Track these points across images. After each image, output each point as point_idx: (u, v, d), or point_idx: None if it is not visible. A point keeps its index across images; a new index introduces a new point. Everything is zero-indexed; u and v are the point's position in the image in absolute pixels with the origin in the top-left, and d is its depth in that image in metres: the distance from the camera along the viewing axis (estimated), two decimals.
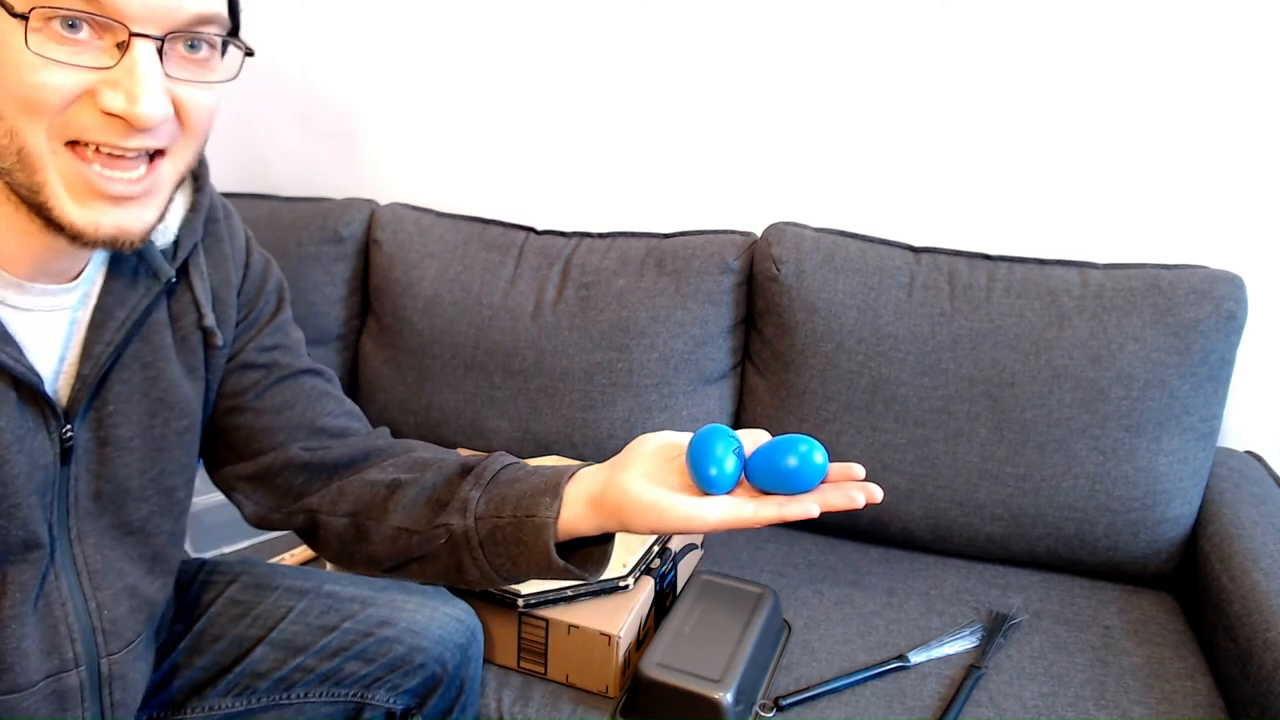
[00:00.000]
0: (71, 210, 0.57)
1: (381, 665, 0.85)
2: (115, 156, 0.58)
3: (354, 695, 0.86)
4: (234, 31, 0.63)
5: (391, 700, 0.86)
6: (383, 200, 1.60)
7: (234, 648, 0.85)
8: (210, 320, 0.73)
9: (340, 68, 1.64)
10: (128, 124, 0.56)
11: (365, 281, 1.54)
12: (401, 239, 1.47)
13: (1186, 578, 1.19)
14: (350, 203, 1.55)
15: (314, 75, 1.66)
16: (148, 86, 0.56)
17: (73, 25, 0.54)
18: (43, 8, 0.53)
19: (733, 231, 1.36)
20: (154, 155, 0.60)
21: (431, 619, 0.88)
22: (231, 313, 0.77)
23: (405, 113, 1.62)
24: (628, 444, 0.71)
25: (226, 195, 1.64)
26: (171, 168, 0.62)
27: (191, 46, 0.60)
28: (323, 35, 1.63)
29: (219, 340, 0.74)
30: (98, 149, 0.57)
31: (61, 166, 0.57)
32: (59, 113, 0.55)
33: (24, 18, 0.53)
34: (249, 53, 0.64)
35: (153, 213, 0.62)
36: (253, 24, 1.76)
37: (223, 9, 0.61)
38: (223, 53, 0.63)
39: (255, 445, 0.78)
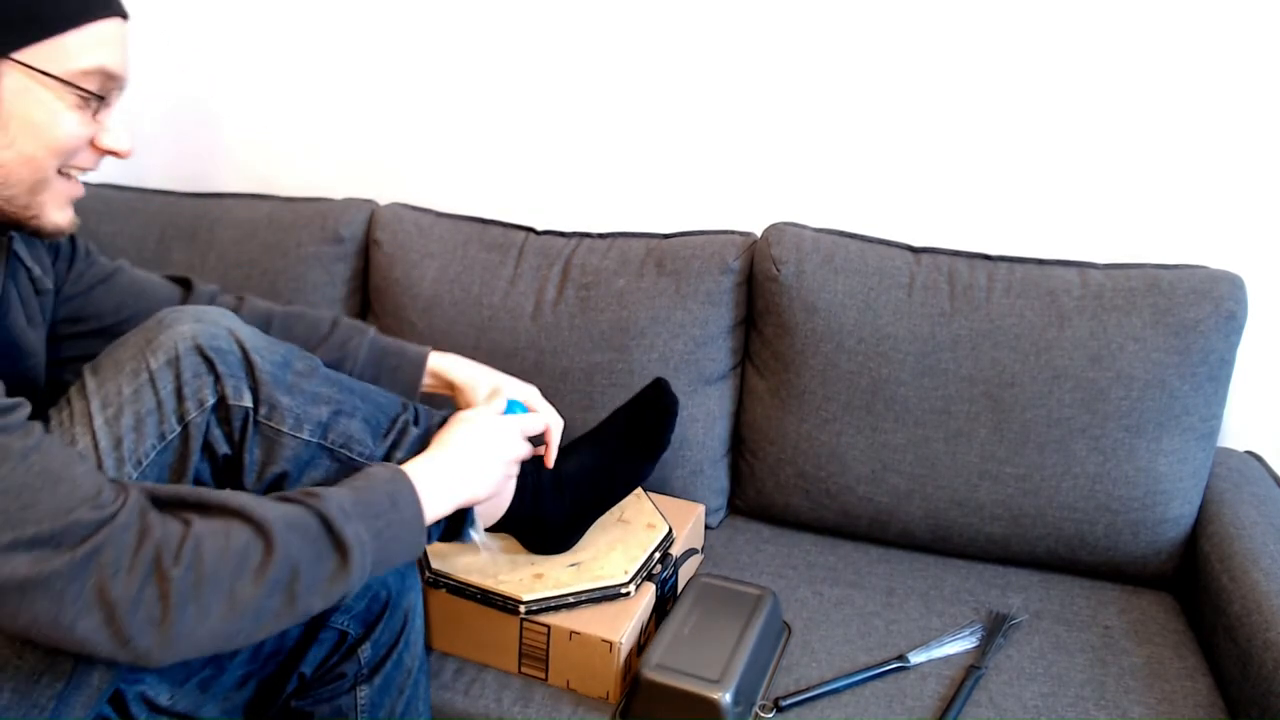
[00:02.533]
0: (55, 215, 0.81)
1: None
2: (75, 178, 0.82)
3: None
4: None
5: (344, 623, 0.90)
6: (383, 200, 1.60)
7: None
8: (38, 272, 0.91)
9: (340, 68, 1.64)
10: (106, 155, 0.82)
11: (365, 281, 1.54)
12: (401, 239, 1.47)
13: (1186, 578, 1.19)
14: (350, 203, 1.55)
15: (314, 75, 1.66)
16: (126, 130, 0.83)
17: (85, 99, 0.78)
18: (93, 99, 0.78)
19: (733, 232, 1.36)
20: None
21: None
22: (49, 265, 0.95)
23: (405, 113, 1.62)
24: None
25: (227, 195, 1.65)
26: None
27: None
28: (322, 35, 1.63)
29: (47, 285, 0.93)
30: (75, 173, 0.81)
31: (57, 188, 0.80)
32: (73, 154, 0.79)
33: (95, 96, 0.78)
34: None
35: None
36: (253, 24, 1.76)
37: None
38: None
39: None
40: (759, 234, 1.35)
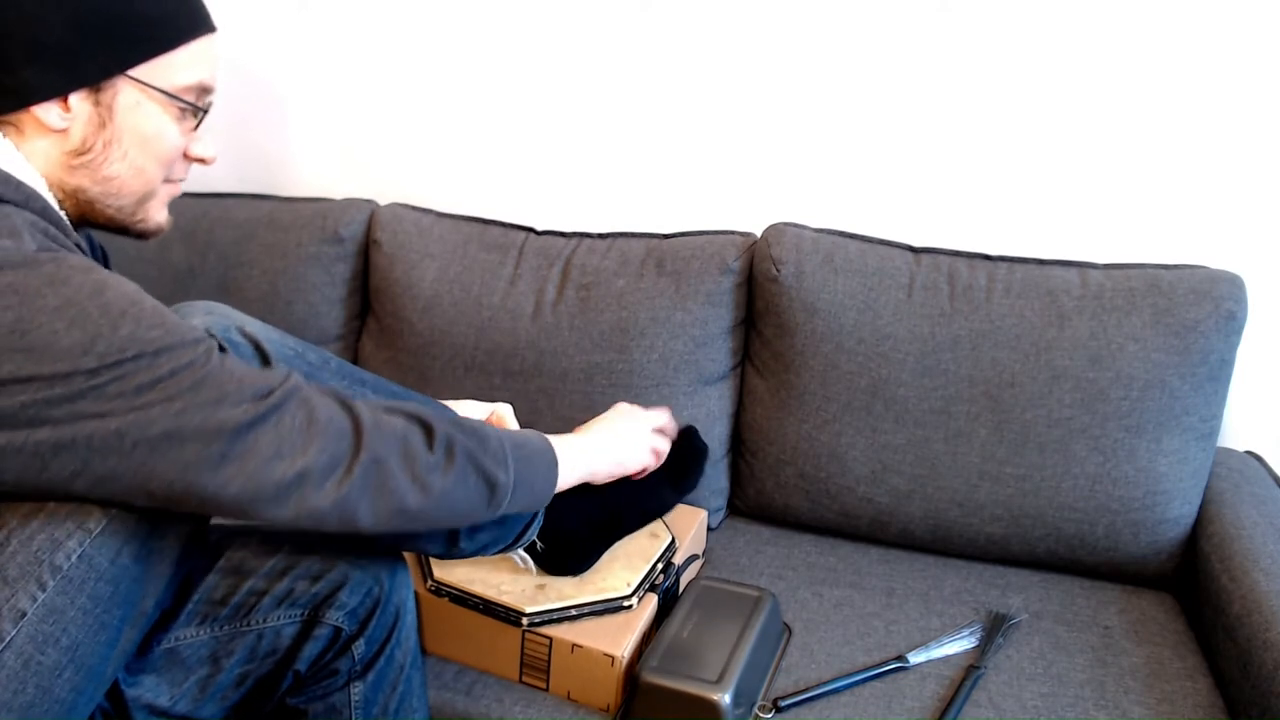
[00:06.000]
0: (159, 216, 0.88)
1: (327, 582, 0.90)
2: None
3: (305, 615, 0.90)
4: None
5: (339, 619, 0.90)
6: (383, 200, 1.60)
7: (185, 580, 0.90)
8: None
9: (340, 68, 1.64)
10: (196, 162, 0.89)
11: (365, 282, 1.54)
12: (401, 239, 1.47)
13: (1186, 578, 1.19)
14: (350, 203, 1.55)
15: (314, 75, 1.66)
16: (212, 139, 0.91)
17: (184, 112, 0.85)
18: (191, 112, 0.85)
19: (733, 232, 1.36)
20: None
21: (359, 540, 0.96)
22: None
23: (406, 113, 1.62)
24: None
25: (227, 195, 1.65)
26: None
27: None
28: (322, 35, 1.63)
29: None
30: (175, 180, 0.89)
31: (162, 193, 0.87)
32: (173, 162, 0.86)
33: (196, 108, 0.85)
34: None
35: None
36: (253, 23, 1.76)
37: None
38: None
39: None
40: (759, 234, 1.35)
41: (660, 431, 1.09)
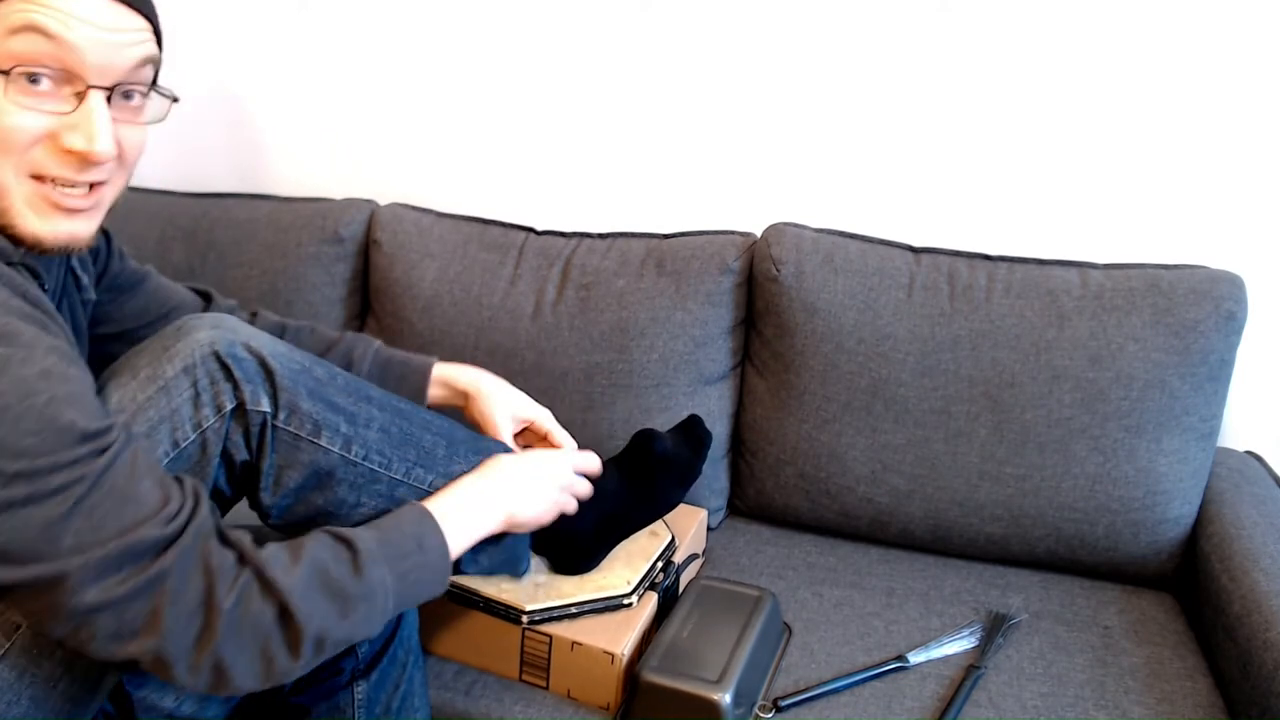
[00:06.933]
0: (34, 223, 0.70)
1: None
2: (68, 184, 0.71)
3: None
4: (155, 83, 0.77)
5: None
6: (383, 200, 1.60)
7: None
8: (85, 281, 0.89)
9: (340, 68, 1.64)
10: (83, 160, 0.69)
11: (365, 282, 1.54)
12: (401, 239, 1.47)
13: (1186, 578, 1.19)
14: (350, 203, 1.55)
15: (314, 75, 1.66)
16: (102, 129, 0.69)
17: (35, 79, 0.66)
18: (21, 66, 0.65)
19: (732, 232, 1.36)
20: (94, 184, 0.73)
21: None
22: (91, 269, 0.94)
23: (405, 113, 1.62)
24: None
25: (226, 195, 1.65)
26: (110, 191, 0.75)
27: (126, 96, 0.73)
28: (322, 35, 1.63)
29: (91, 295, 0.92)
30: (54, 181, 0.70)
31: (25, 193, 0.69)
32: (25, 151, 0.68)
33: (3, 73, 0.65)
34: (175, 99, 0.78)
35: (95, 224, 0.75)
36: (253, 23, 1.76)
37: (156, 50, 0.74)
38: (146, 97, 0.76)
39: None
40: (759, 234, 1.35)
41: (583, 475, 1.02)
